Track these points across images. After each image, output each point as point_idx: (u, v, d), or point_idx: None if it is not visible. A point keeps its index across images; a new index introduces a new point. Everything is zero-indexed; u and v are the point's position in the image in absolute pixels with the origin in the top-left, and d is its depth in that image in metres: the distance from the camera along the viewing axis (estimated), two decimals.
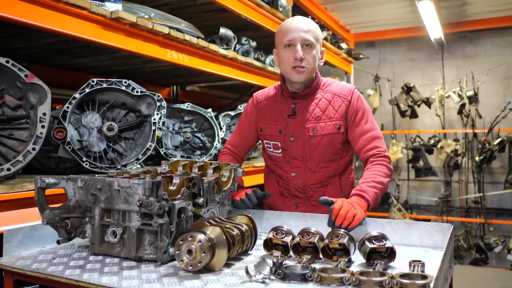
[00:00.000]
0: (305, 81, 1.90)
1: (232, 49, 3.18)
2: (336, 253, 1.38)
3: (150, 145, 2.26)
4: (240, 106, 3.55)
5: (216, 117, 3.31)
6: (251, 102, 2.11)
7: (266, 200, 2.01)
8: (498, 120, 6.05)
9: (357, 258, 1.40)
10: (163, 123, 3.01)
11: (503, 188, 6.05)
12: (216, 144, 3.08)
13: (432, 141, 6.54)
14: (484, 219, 6.29)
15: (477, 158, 6.16)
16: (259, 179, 3.06)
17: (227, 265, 1.32)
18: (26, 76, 1.83)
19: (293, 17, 1.98)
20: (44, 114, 1.83)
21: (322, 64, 1.97)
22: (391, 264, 1.33)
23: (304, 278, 1.16)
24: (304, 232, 1.43)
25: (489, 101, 6.48)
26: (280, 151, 1.98)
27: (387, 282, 1.07)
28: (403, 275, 1.10)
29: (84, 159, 2.08)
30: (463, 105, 6.41)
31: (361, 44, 7.11)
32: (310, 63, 1.86)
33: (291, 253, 1.42)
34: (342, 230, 1.42)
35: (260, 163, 3.32)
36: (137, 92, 2.27)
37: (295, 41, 1.85)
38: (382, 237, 1.34)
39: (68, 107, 2.08)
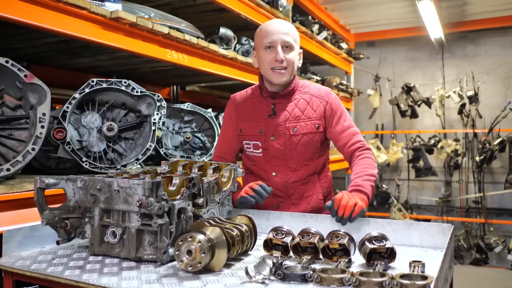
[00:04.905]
0: (285, 82, 1.96)
1: (232, 49, 3.18)
2: (336, 253, 1.37)
3: (150, 145, 2.26)
4: None
5: (216, 117, 3.31)
6: (230, 104, 2.13)
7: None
8: (499, 120, 6.04)
9: (357, 259, 1.40)
10: (163, 123, 3.01)
11: (503, 188, 6.05)
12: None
13: (432, 141, 6.53)
14: (484, 219, 6.28)
15: (477, 158, 6.15)
16: None
17: (227, 265, 1.32)
18: (25, 76, 1.83)
19: (272, 20, 2.07)
20: (44, 114, 1.83)
21: (300, 65, 2.04)
22: (391, 264, 1.32)
23: (304, 279, 1.16)
24: (304, 233, 1.43)
25: (489, 101, 6.47)
26: (260, 150, 2.01)
27: (387, 282, 1.07)
28: (403, 276, 1.09)
29: (84, 159, 2.08)
30: (463, 105, 6.41)
31: (362, 44, 7.11)
32: (290, 64, 1.92)
33: (291, 253, 1.42)
34: (342, 230, 1.41)
35: None
36: (137, 92, 2.27)
37: (276, 43, 1.90)
38: (382, 238, 1.34)
39: (67, 107, 2.08)
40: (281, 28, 1.93)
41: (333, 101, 2.01)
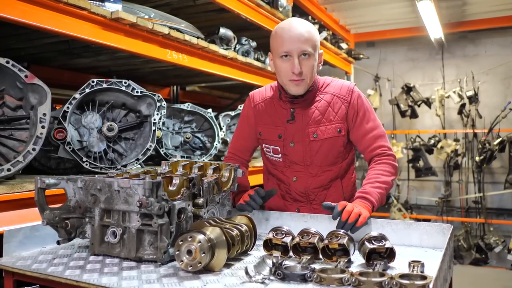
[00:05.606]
0: (303, 92, 1.85)
1: (232, 49, 3.19)
2: (335, 253, 1.38)
3: (150, 145, 2.26)
4: (240, 106, 3.55)
5: (216, 117, 3.31)
6: (248, 104, 2.04)
7: (268, 203, 1.96)
8: (498, 120, 6.05)
9: (357, 259, 1.40)
10: (163, 123, 3.01)
11: (503, 188, 6.05)
12: (216, 144, 3.08)
13: (432, 141, 6.54)
14: (484, 219, 6.29)
15: (477, 158, 6.16)
16: (259, 179, 3.05)
17: (227, 265, 1.32)
18: (26, 76, 1.84)
19: (289, 20, 1.87)
20: (44, 114, 1.84)
21: (320, 67, 1.90)
22: (391, 264, 1.33)
23: (303, 279, 1.16)
24: (304, 233, 1.43)
25: (489, 101, 6.48)
26: (280, 155, 1.94)
27: (386, 282, 1.07)
28: (402, 276, 1.10)
29: (84, 159, 2.08)
30: (463, 105, 6.41)
31: (361, 44, 7.11)
32: (308, 73, 1.79)
33: (291, 253, 1.42)
34: (342, 230, 1.42)
35: (260, 163, 3.31)
36: (137, 92, 2.27)
37: (292, 53, 1.75)
38: (381, 238, 1.34)
39: (68, 107, 2.08)
40: (298, 35, 1.75)
41: (356, 101, 1.87)
